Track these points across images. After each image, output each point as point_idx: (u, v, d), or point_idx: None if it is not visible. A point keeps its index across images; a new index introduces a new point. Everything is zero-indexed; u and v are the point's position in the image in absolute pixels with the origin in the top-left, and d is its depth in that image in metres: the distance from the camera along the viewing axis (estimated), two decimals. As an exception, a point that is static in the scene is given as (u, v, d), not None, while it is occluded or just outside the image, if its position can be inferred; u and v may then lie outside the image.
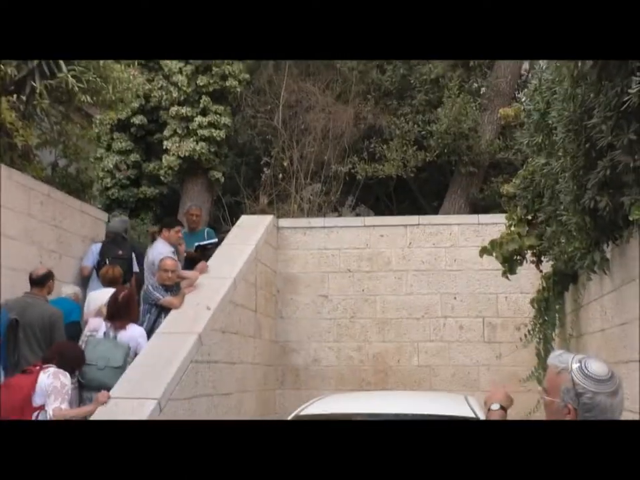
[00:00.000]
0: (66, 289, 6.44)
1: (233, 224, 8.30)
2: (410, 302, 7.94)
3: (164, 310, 5.91)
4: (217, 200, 10.80)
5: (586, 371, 2.02)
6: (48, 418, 4.37)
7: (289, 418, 4.69)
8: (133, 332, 5.35)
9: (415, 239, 8.15)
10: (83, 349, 5.07)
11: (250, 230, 7.69)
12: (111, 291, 5.82)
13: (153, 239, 7.13)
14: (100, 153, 10.19)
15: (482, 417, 4.47)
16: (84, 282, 7.01)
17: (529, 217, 5.65)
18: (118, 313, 5.30)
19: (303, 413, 4.69)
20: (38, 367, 4.57)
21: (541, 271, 5.99)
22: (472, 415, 4.49)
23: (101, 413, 4.54)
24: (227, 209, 10.07)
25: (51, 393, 4.42)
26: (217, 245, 7.46)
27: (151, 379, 4.94)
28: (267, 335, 7.63)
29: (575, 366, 2.04)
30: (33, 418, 4.39)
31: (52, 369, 4.53)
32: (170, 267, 6.06)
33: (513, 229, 5.74)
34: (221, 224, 9.77)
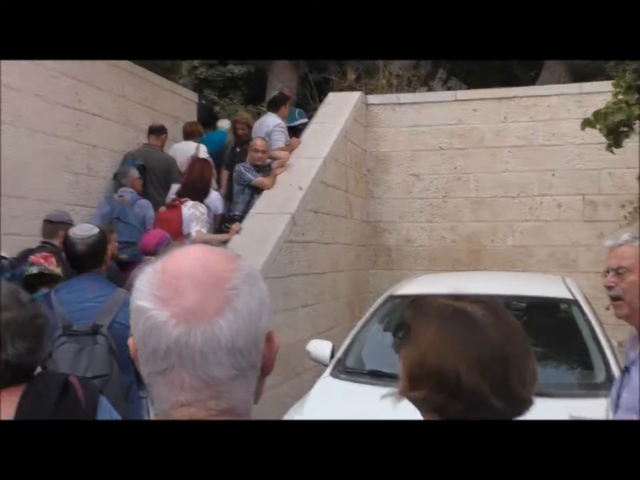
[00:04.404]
0: (222, 122, 7.97)
1: (321, 102, 8.12)
2: (505, 180, 7.66)
3: (257, 190, 5.98)
4: (304, 78, 10.55)
5: None
6: (191, 239, 4.93)
7: (382, 297, 4.76)
8: (212, 196, 5.74)
9: (510, 112, 7.73)
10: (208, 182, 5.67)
11: (338, 108, 7.51)
12: (191, 144, 6.62)
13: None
14: (186, 31, 10.06)
15: (580, 297, 4.38)
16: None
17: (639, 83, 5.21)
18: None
19: (396, 292, 4.74)
20: (178, 202, 5.25)
21: (651, 144, 5.59)
22: (569, 296, 4.40)
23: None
24: (314, 86, 9.83)
25: (193, 219, 5.11)
26: (306, 124, 7.36)
27: (246, 257, 5.08)
28: (359, 215, 7.64)
29: None
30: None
31: (190, 202, 5.21)
32: (260, 147, 6.06)
33: (620, 97, 5.32)
34: (309, 102, 9.59)
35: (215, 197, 5.83)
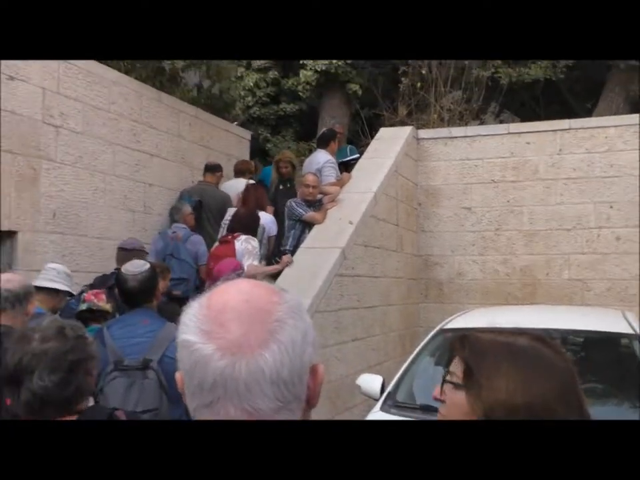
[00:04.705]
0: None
1: (372, 137, 8.18)
2: (560, 212, 7.51)
3: (307, 225, 6.04)
4: (355, 114, 10.68)
5: None
6: (244, 272, 5.00)
7: (434, 332, 4.70)
8: (265, 219, 5.89)
9: (566, 144, 7.60)
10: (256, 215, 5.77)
11: (389, 143, 7.55)
12: (241, 181, 6.59)
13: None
14: (240, 71, 10.36)
15: (642, 333, 4.21)
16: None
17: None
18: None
19: (447, 326, 4.68)
20: (230, 237, 5.34)
21: None
22: (630, 330, 4.24)
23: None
24: (365, 122, 9.93)
25: (245, 253, 5.20)
26: (358, 159, 7.44)
27: (297, 292, 5.12)
28: (409, 249, 7.61)
29: None
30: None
31: (243, 236, 5.31)
32: (311, 183, 6.13)
33: (680, 128, 5.18)
34: (360, 138, 9.68)
35: (269, 220, 5.94)
